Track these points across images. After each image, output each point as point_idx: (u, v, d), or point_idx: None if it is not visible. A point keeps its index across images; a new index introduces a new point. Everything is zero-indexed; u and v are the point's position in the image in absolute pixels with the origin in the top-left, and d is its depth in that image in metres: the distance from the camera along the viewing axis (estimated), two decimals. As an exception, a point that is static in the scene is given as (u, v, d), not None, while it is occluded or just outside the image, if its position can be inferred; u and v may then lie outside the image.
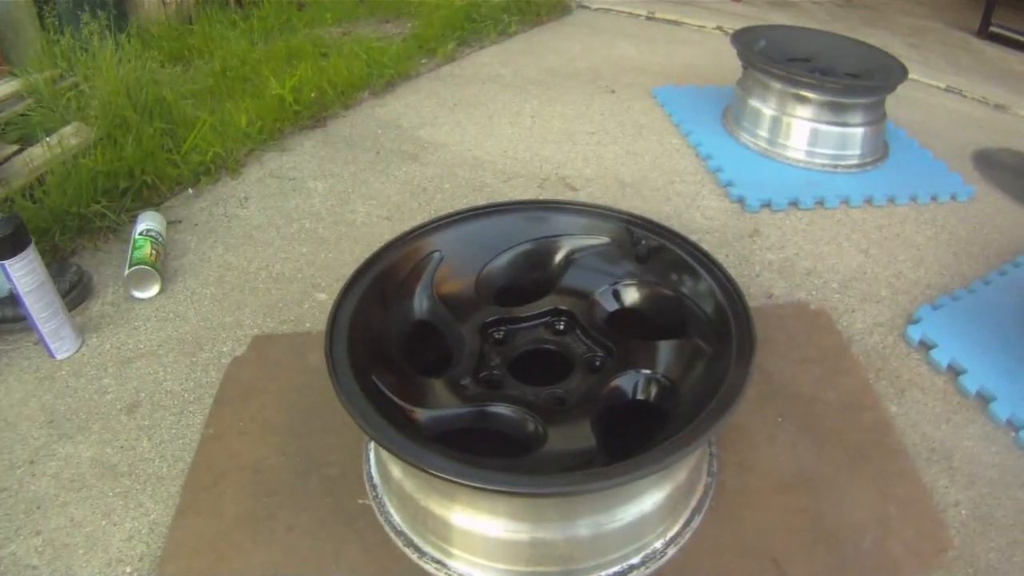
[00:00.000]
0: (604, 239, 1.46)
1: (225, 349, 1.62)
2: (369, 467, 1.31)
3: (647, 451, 0.99)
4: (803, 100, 2.34)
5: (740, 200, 2.18)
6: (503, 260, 1.46)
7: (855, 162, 2.38)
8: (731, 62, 2.53)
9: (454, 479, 0.97)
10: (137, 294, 1.76)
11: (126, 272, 1.74)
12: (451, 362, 1.30)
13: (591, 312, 1.39)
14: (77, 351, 1.61)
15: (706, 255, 1.36)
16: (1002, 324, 1.73)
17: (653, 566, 1.17)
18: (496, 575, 1.14)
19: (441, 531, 1.15)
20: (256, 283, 1.82)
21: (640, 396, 1.24)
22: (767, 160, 2.41)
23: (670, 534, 1.20)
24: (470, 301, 1.40)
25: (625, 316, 1.42)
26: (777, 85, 2.37)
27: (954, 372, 1.62)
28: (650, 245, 1.41)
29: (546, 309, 1.40)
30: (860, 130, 2.36)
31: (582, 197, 2.19)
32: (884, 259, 1.98)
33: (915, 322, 1.74)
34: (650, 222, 1.45)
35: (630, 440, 1.13)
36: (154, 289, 1.77)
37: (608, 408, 1.21)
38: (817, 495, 1.31)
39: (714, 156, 2.40)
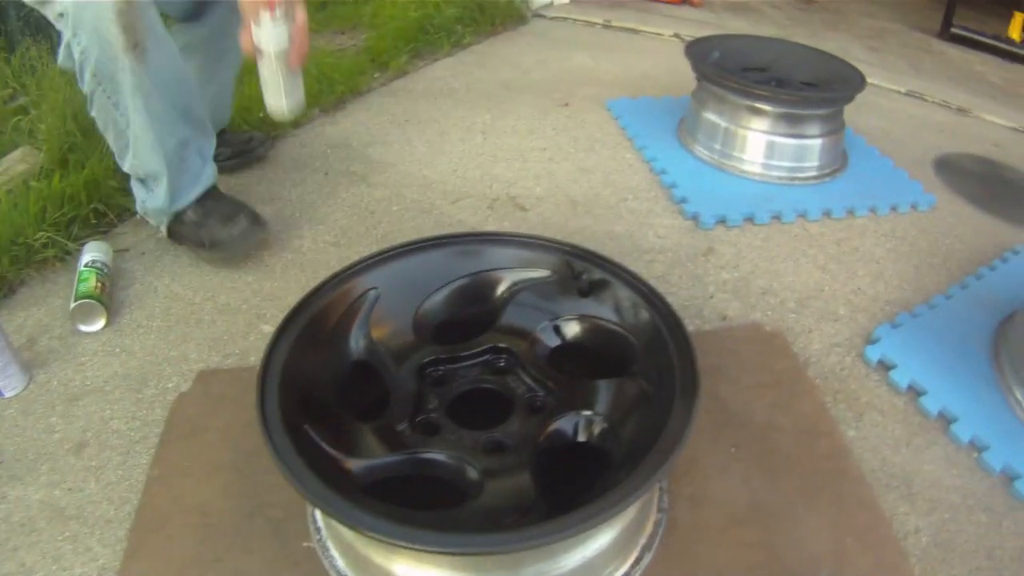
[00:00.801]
0: (545, 272, 1.41)
1: (170, 385, 1.57)
2: (313, 509, 1.27)
3: (584, 505, 0.95)
4: (758, 112, 2.30)
5: (694, 217, 2.13)
6: (441, 296, 1.41)
7: (813, 174, 2.35)
8: (687, 71, 2.49)
9: (386, 539, 0.92)
10: (83, 328, 1.70)
11: (71, 306, 1.69)
12: (388, 404, 1.25)
13: (532, 349, 1.34)
14: (25, 388, 1.56)
15: (649, 288, 1.32)
16: (964, 340, 1.70)
17: (600, 611, 1.13)
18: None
19: (383, 580, 1.11)
20: (202, 315, 1.76)
21: (581, 438, 1.20)
22: (722, 174, 2.37)
23: (618, 574, 1.16)
24: (408, 340, 1.35)
25: (567, 352, 1.37)
26: (731, 97, 2.33)
27: (915, 392, 1.59)
28: (591, 278, 1.37)
29: (486, 347, 1.35)
30: (818, 141, 2.32)
31: (532, 217, 2.15)
32: (842, 275, 1.95)
33: (873, 342, 1.71)
34: (592, 253, 1.40)
35: (572, 481, 1.10)
36: (100, 323, 1.72)
37: (548, 450, 1.17)
38: (771, 528, 1.27)
39: (668, 171, 2.36)
